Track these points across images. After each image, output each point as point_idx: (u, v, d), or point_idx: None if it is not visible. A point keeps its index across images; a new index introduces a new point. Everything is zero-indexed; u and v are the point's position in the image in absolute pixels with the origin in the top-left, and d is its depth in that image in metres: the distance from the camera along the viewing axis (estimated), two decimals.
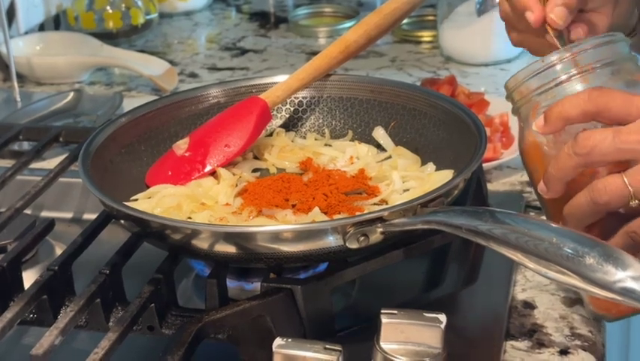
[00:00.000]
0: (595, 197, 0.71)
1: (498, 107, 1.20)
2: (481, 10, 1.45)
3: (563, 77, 0.77)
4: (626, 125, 0.70)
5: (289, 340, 0.68)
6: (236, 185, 0.93)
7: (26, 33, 1.63)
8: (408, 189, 0.90)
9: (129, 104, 1.31)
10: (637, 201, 0.70)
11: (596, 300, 0.79)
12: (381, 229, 0.78)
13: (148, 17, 1.68)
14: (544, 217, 0.80)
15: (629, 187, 0.70)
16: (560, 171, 0.73)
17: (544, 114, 0.74)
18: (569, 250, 0.66)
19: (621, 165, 0.71)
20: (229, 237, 0.78)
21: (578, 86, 0.76)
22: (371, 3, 1.80)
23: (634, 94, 0.72)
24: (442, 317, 0.71)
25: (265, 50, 1.63)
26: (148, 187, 0.94)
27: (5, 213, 0.94)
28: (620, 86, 0.75)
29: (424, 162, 0.95)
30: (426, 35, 1.60)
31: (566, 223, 0.74)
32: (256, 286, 0.83)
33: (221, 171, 0.95)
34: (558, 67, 0.77)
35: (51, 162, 1.12)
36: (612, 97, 0.72)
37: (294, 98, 1.04)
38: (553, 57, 0.77)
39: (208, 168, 0.95)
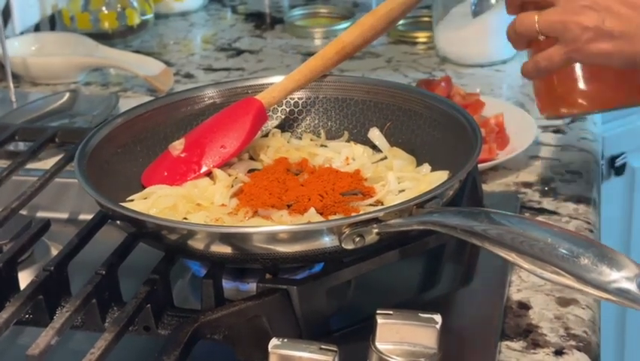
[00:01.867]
0: (515, 27, 0.93)
1: (493, 108, 1.20)
2: (477, 12, 1.45)
3: None
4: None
5: (285, 340, 0.68)
6: (232, 186, 0.93)
7: (22, 33, 1.63)
8: (403, 190, 0.90)
9: (125, 104, 1.31)
10: (543, 37, 0.91)
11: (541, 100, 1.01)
12: (376, 230, 0.78)
13: (144, 18, 1.68)
14: (539, 218, 0.80)
15: (536, 24, 0.90)
16: (511, 39, 0.96)
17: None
18: (564, 251, 0.67)
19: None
20: (225, 237, 0.78)
21: None
22: (367, 4, 1.80)
23: None
24: (438, 318, 0.71)
25: (261, 51, 1.63)
26: (144, 188, 0.94)
27: (1, 213, 0.94)
28: None
29: (419, 163, 0.95)
30: (421, 36, 1.60)
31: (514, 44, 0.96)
32: (252, 286, 0.83)
33: (217, 172, 0.95)
34: None
35: (47, 163, 1.12)
36: None
37: (290, 98, 1.04)
38: None
39: (204, 169, 0.95)
